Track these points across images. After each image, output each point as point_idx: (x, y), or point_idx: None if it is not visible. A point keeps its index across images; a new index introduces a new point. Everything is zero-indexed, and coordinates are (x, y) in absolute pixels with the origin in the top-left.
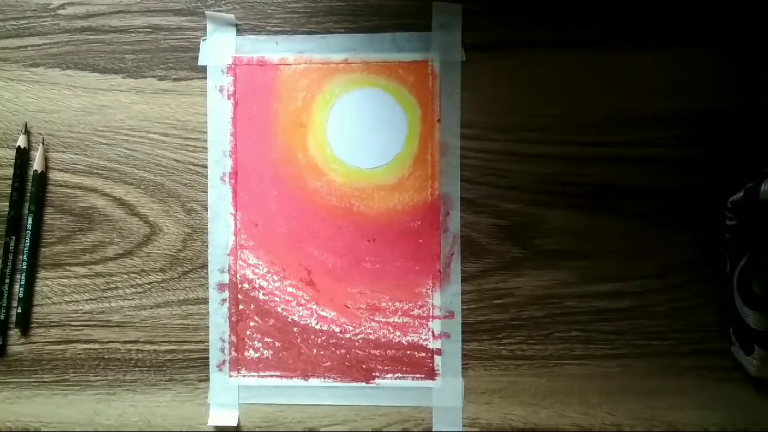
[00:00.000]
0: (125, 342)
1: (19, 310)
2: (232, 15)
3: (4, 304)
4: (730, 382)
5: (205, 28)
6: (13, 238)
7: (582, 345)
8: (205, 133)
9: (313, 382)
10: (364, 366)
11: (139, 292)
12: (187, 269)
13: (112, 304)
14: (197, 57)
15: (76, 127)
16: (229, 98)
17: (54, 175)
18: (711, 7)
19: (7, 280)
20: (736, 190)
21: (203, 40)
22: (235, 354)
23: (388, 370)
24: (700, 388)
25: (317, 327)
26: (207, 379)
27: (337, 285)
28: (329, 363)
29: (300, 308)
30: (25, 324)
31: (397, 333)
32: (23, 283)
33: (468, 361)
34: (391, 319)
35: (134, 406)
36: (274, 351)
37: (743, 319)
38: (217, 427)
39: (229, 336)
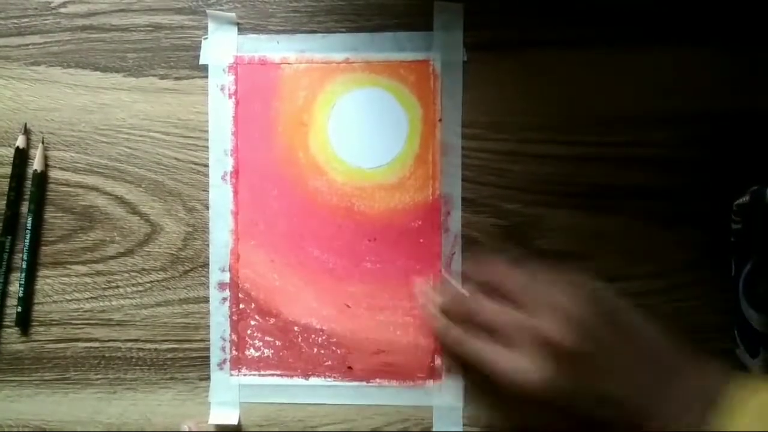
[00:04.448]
0: (126, 341)
1: (20, 309)
2: (234, 14)
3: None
4: None
5: (207, 27)
6: (9, 237)
7: None
8: (206, 132)
9: (314, 381)
10: (364, 365)
11: (140, 291)
12: (188, 268)
13: (113, 303)
14: (198, 56)
15: (77, 125)
16: (230, 97)
17: (55, 174)
18: (711, 7)
19: (1, 279)
20: (738, 191)
21: (204, 38)
22: (236, 353)
23: (388, 370)
24: None
25: (318, 326)
26: (208, 378)
27: (338, 284)
28: (330, 362)
29: (301, 307)
30: (25, 323)
31: (398, 332)
32: (23, 282)
33: None
34: (391, 319)
35: (135, 405)
36: (274, 350)
37: (748, 322)
38: (217, 425)
39: (230, 335)
